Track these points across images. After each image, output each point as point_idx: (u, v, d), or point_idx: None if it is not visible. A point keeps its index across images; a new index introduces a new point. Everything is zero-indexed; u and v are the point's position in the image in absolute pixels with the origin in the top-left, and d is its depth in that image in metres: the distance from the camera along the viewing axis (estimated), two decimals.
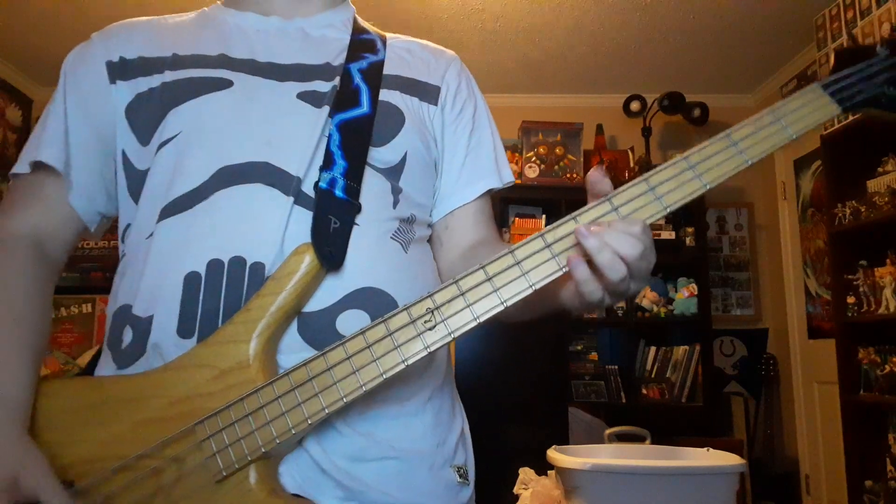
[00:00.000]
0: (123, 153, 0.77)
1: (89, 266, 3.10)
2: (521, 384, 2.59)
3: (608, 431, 2.32)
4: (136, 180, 0.76)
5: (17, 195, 0.79)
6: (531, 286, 0.62)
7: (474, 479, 0.79)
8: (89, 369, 0.77)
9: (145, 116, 0.75)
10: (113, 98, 0.78)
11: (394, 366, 0.62)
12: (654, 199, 0.64)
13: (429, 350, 0.62)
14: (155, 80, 0.76)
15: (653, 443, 2.16)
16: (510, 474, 1.80)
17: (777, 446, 3.53)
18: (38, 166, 0.77)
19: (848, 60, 0.68)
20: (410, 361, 0.62)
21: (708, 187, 0.64)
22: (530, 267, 0.63)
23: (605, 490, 1.40)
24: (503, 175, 0.88)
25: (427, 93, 0.84)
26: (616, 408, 3.36)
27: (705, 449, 1.57)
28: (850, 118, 2.58)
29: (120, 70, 0.78)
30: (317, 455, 0.67)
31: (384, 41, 0.86)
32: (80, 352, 2.88)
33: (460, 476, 0.76)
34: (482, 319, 0.62)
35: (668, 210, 0.64)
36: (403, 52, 0.86)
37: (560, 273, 0.63)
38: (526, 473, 1.76)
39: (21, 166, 0.78)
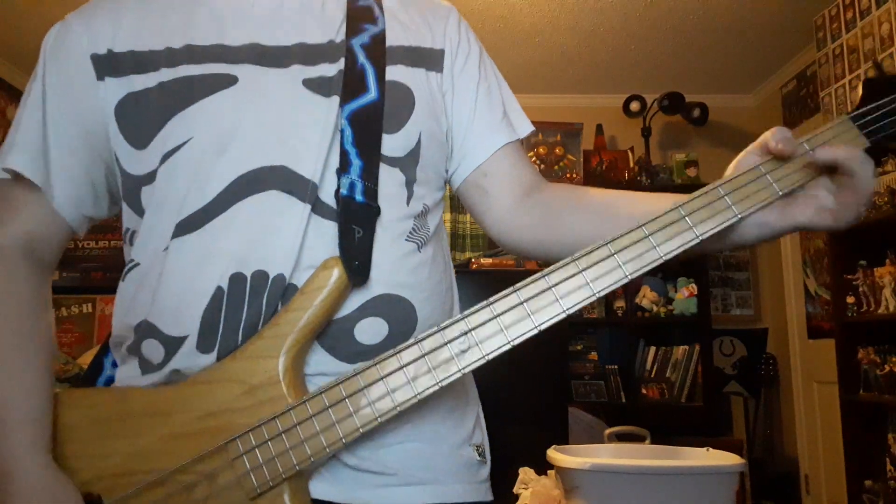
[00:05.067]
0: (115, 156, 0.73)
1: (89, 266, 3.10)
2: (521, 384, 2.59)
3: (608, 431, 2.32)
4: (132, 185, 0.73)
5: (3, 201, 0.75)
6: (565, 311, 0.63)
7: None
8: (93, 370, 0.76)
9: (140, 120, 0.71)
10: (101, 96, 0.72)
11: (428, 388, 0.62)
12: (687, 228, 0.64)
13: (462, 372, 0.62)
14: (150, 79, 0.71)
15: (652, 442, 2.15)
16: (510, 474, 1.80)
17: (777, 446, 3.53)
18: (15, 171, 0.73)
19: (876, 91, 0.69)
20: (445, 383, 0.62)
21: (740, 217, 0.65)
22: (564, 292, 0.63)
23: (605, 490, 1.40)
24: (518, 127, 0.85)
25: (432, 60, 0.81)
26: (616, 407, 3.37)
27: (705, 449, 1.57)
28: None
29: (109, 65, 0.72)
30: (343, 455, 0.67)
31: (380, 5, 0.81)
32: (80, 352, 2.88)
33: (479, 454, 0.76)
34: (516, 342, 0.62)
35: (700, 238, 0.64)
36: (401, 14, 0.82)
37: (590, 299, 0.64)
38: (526, 473, 1.76)
39: None
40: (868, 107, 0.69)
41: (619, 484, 1.39)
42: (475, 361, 0.62)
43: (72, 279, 3.05)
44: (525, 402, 2.60)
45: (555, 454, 1.54)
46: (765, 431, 3.46)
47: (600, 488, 1.41)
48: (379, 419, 0.62)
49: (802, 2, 2.90)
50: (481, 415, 0.81)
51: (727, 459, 1.47)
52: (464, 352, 0.62)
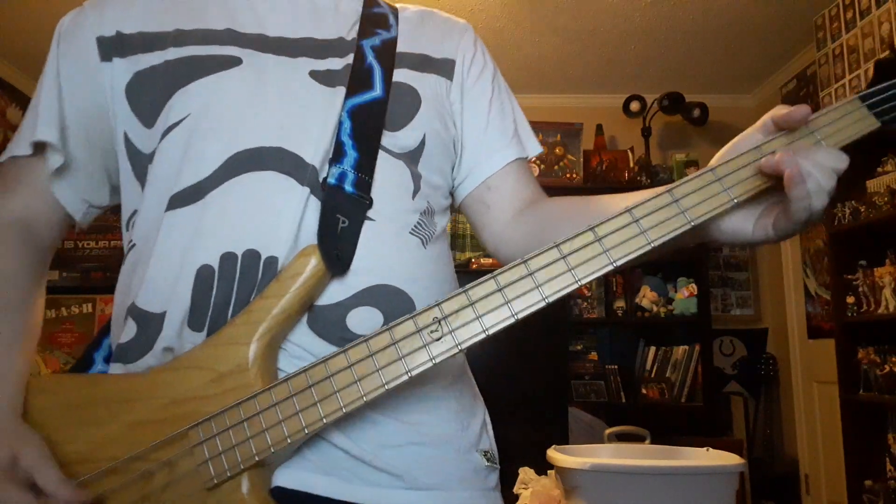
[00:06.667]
0: (126, 136, 0.73)
1: (89, 266, 3.10)
2: (521, 384, 2.59)
3: (608, 431, 2.32)
4: (142, 164, 0.73)
5: (4, 178, 0.77)
6: (544, 299, 0.60)
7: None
8: (82, 364, 0.75)
9: (148, 97, 0.71)
10: (106, 78, 0.73)
11: (397, 377, 0.59)
12: (678, 213, 0.61)
13: (434, 362, 0.59)
14: (157, 57, 0.71)
15: (652, 442, 2.16)
16: (510, 474, 1.80)
17: (777, 446, 3.53)
18: (35, 146, 0.75)
19: (888, 72, 0.65)
20: (415, 373, 0.59)
21: (735, 202, 0.61)
22: (544, 279, 0.60)
23: (605, 490, 1.40)
24: (528, 146, 0.85)
25: (442, 68, 0.81)
26: (616, 407, 3.37)
27: (705, 449, 1.57)
28: None
29: (116, 46, 0.73)
30: (343, 444, 0.65)
31: (396, 14, 0.83)
32: (80, 352, 2.88)
33: (488, 460, 0.74)
34: (491, 332, 0.60)
35: (692, 223, 0.60)
36: (415, 25, 0.83)
37: (573, 286, 0.61)
38: (526, 473, 1.76)
39: (20, 148, 0.75)
40: (879, 86, 0.64)
41: (619, 484, 1.40)
42: (447, 350, 0.59)
43: (72, 279, 3.05)
44: (525, 402, 2.61)
45: (555, 454, 1.54)
46: (765, 431, 3.47)
47: (600, 488, 1.41)
48: (344, 409, 0.59)
49: (802, 2, 2.90)
50: (488, 420, 0.80)
51: (727, 459, 1.47)
52: (436, 340, 0.59)
